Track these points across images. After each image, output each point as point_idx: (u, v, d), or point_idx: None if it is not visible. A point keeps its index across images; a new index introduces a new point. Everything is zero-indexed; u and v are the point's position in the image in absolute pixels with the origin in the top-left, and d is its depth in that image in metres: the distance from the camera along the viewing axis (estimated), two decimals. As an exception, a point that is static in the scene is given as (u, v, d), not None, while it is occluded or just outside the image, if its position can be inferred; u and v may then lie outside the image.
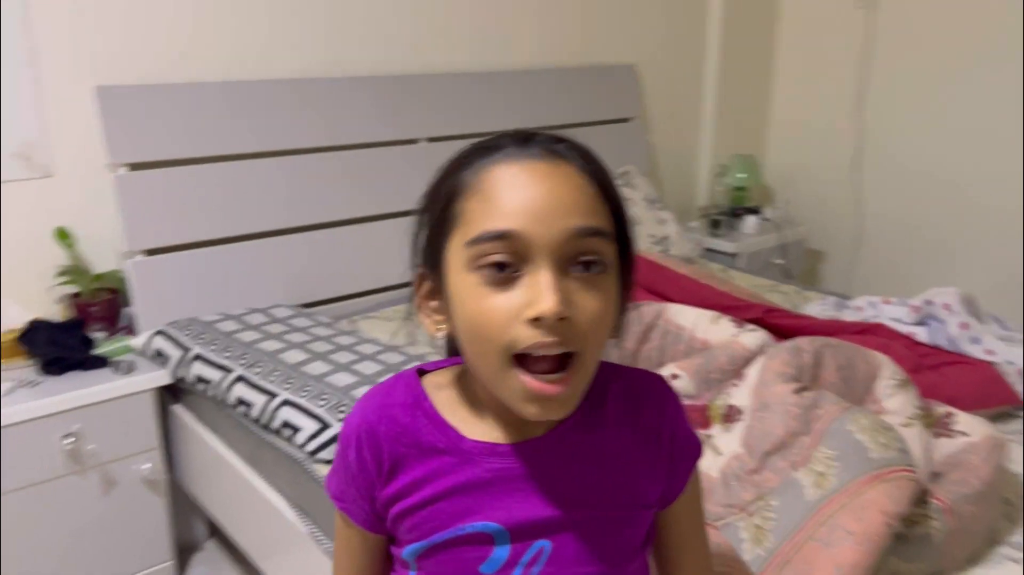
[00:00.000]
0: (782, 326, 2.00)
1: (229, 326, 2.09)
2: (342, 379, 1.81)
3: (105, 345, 2.09)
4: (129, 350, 2.09)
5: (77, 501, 1.94)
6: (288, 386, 1.80)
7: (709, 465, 1.49)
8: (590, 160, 0.74)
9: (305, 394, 1.76)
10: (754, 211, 3.41)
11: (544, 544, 0.78)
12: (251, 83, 2.31)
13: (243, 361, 1.91)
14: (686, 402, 1.63)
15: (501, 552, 0.77)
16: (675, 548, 0.87)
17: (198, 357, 1.96)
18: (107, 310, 2.17)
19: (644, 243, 2.91)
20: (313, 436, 1.67)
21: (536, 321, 0.67)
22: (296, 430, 1.70)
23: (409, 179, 2.58)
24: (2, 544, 1.84)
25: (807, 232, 3.53)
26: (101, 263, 2.21)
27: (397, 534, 0.82)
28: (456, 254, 0.71)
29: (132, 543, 2.05)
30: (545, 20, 2.96)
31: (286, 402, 1.75)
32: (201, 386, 1.93)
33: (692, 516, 0.88)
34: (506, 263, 0.68)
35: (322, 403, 1.72)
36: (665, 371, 1.77)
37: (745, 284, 2.73)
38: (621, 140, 3.21)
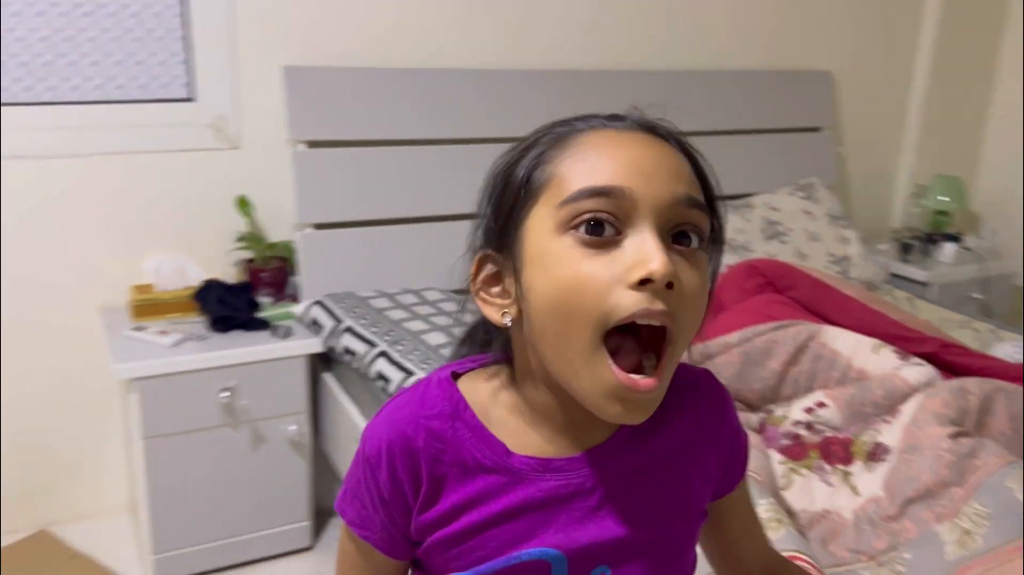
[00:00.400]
0: (958, 364, 1.79)
1: (381, 303, 2.16)
2: (476, 366, 1.82)
3: (269, 309, 2.22)
4: (290, 316, 2.21)
5: (228, 452, 2.07)
6: (425, 366, 1.83)
7: (843, 505, 1.36)
8: (687, 144, 0.69)
9: (438, 376, 1.78)
10: (954, 238, 3.09)
11: (604, 571, 0.70)
12: (428, 71, 2.37)
13: (388, 337, 1.96)
14: (829, 434, 1.50)
15: None
16: (734, 537, 0.81)
17: (348, 329, 2.04)
18: (276, 277, 2.30)
19: (821, 262, 2.72)
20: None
21: (642, 284, 0.59)
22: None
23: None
24: (152, 483, 2.00)
25: (1015, 267, 3.16)
26: (275, 233, 2.35)
27: (431, 562, 0.72)
28: (542, 221, 0.64)
29: (273, 499, 2.16)
30: (737, 20, 2.84)
31: (419, 382, 1.78)
32: (348, 357, 2.01)
33: (747, 503, 0.82)
34: (606, 221, 0.61)
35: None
36: (812, 399, 1.64)
37: (930, 317, 2.48)
38: (808, 150, 3.02)
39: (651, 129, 0.68)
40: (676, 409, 0.72)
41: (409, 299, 2.22)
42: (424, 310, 2.15)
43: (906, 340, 1.85)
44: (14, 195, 2.07)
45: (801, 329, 1.74)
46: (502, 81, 2.45)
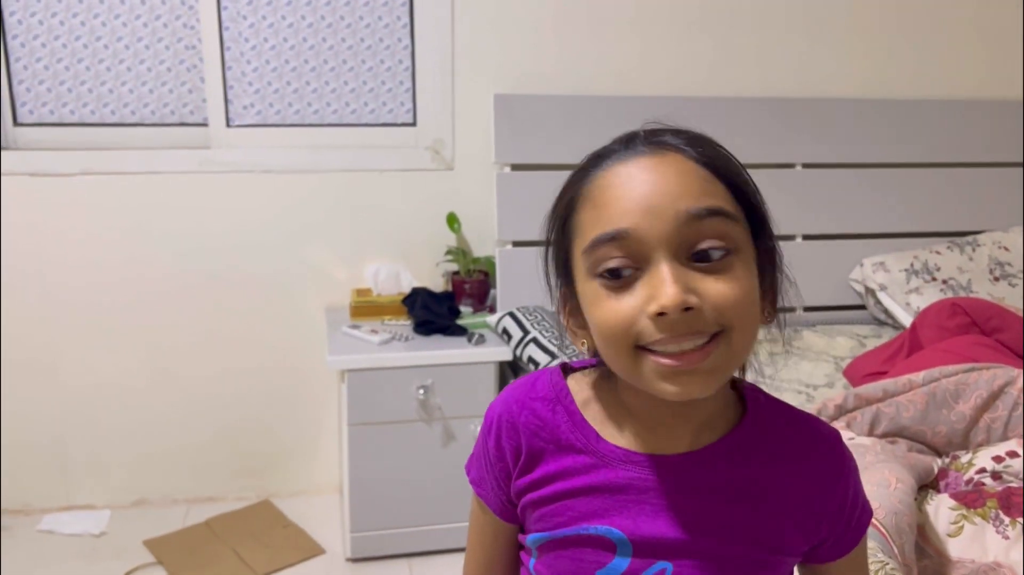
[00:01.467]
0: None
1: (568, 319, 2.26)
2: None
3: (468, 318, 2.39)
4: (485, 326, 2.37)
5: (421, 445, 2.26)
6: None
7: (1017, 559, 1.26)
8: (699, 144, 0.71)
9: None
10: None
11: (666, 566, 0.73)
12: (623, 98, 2.45)
13: (569, 351, 2.05)
14: (1015, 484, 1.40)
15: (621, 563, 0.74)
16: None
17: (534, 340, 2.15)
18: (477, 289, 2.48)
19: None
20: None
21: (660, 316, 0.64)
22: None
23: (780, 204, 2.53)
24: (353, 466, 2.22)
25: None
26: (480, 248, 2.53)
27: (525, 522, 0.81)
28: (579, 265, 0.71)
29: (461, 493, 2.32)
30: (930, 47, 2.66)
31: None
32: (532, 367, 2.12)
33: None
34: (622, 266, 0.67)
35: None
36: (1004, 447, 1.52)
37: None
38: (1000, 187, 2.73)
39: (661, 146, 0.70)
40: (785, 453, 0.76)
41: (596, 317, 2.29)
42: (609, 328, 2.21)
43: None
44: (263, 206, 2.40)
45: (999, 373, 1.62)
46: (697, 108, 2.47)
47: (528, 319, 2.26)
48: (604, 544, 0.74)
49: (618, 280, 0.67)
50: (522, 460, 0.78)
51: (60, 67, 2.28)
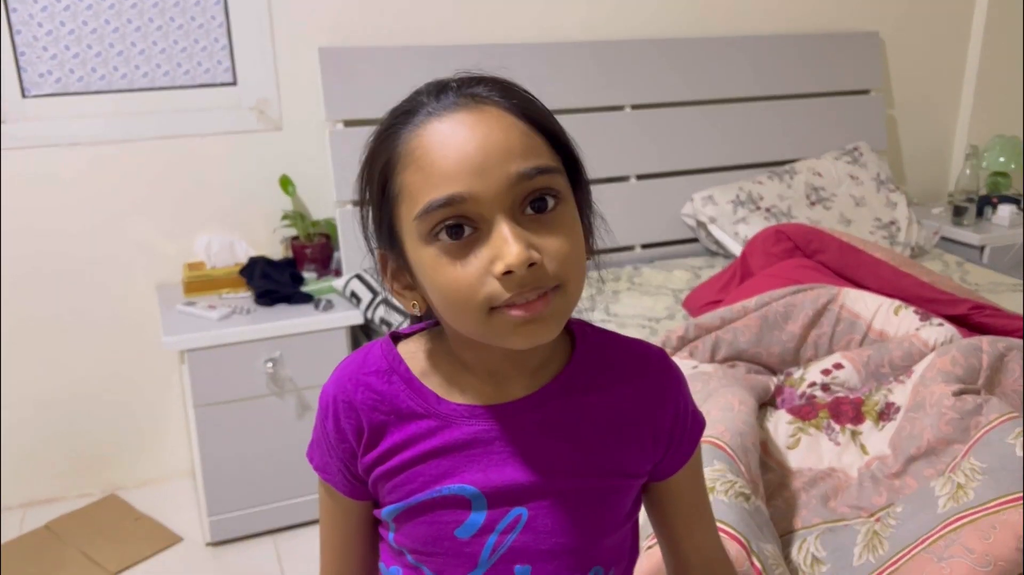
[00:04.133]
0: (989, 326, 1.76)
1: (415, 276, 2.23)
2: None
3: (313, 284, 2.32)
4: (332, 290, 2.30)
5: (274, 420, 2.18)
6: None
7: (849, 463, 1.37)
8: (513, 95, 0.71)
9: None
10: (1013, 200, 2.99)
11: (521, 511, 0.75)
12: (453, 48, 2.41)
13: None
14: (843, 394, 1.51)
15: (477, 517, 0.75)
16: (681, 521, 0.84)
17: (384, 301, 2.12)
18: (320, 253, 2.40)
19: (867, 227, 2.68)
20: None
21: (507, 275, 0.65)
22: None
23: (612, 146, 2.59)
24: (204, 449, 2.12)
25: (1079, 228, 3.04)
26: (319, 211, 2.45)
27: (378, 496, 0.80)
28: (408, 230, 0.69)
29: (320, 463, 2.27)
30: None
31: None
32: (384, 328, 2.09)
33: (697, 489, 0.84)
34: (460, 225, 0.67)
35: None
36: (830, 360, 1.64)
37: (981, 280, 2.43)
38: (856, 114, 2.96)
39: (476, 98, 0.69)
40: (616, 378, 0.78)
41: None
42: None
43: (936, 302, 1.83)
44: (73, 181, 2.20)
45: (821, 292, 1.74)
46: (525, 54, 2.47)
47: (377, 280, 2.21)
48: (459, 502, 0.75)
49: (459, 242, 0.67)
50: (365, 437, 0.77)
51: None
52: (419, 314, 0.77)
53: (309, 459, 0.83)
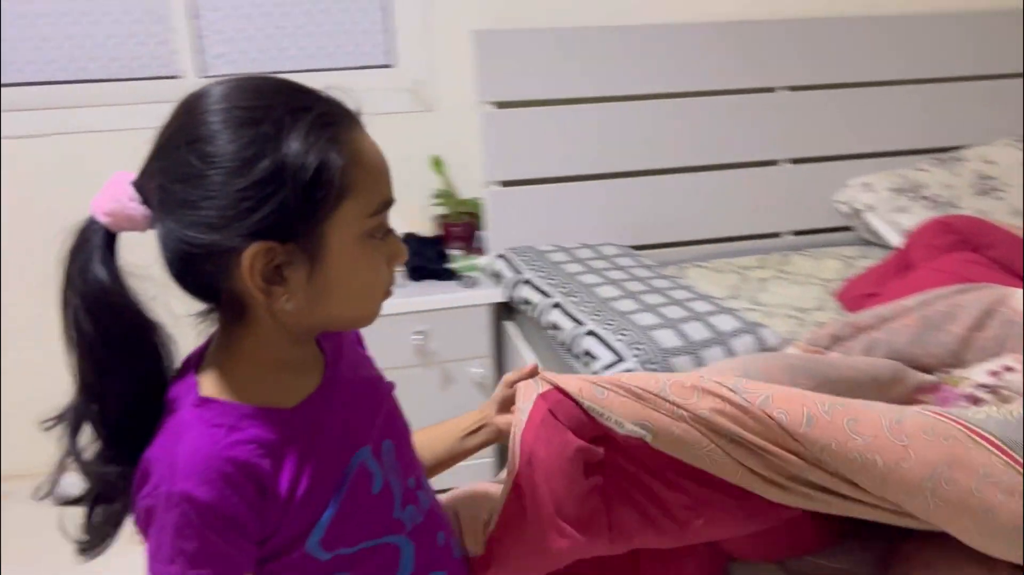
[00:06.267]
0: None
1: (559, 257, 2.26)
2: (645, 319, 1.87)
3: (458, 261, 2.38)
4: (476, 268, 2.36)
5: (420, 390, 2.27)
6: (596, 318, 1.90)
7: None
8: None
9: (609, 327, 1.85)
10: None
11: (387, 442, 0.89)
12: (610, 29, 2.40)
13: (563, 290, 2.06)
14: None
15: (375, 467, 0.85)
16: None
17: (527, 281, 2.15)
18: (466, 232, 2.46)
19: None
20: (608, 367, 1.76)
21: (396, 265, 0.83)
22: (594, 358, 1.80)
23: (762, 129, 2.52)
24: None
25: None
26: (467, 190, 2.51)
27: (290, 535, 0.78)
28: (349, 225, 0.77)
29: (461, 435, 2.35)
30: None
31: (591, 332, 1.86)
32: (525, 307, 2.13)
33: None
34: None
35: (621, 338, 1.80)
36: (998, 362, 1.55)
37: None
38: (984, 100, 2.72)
39: (356, 115, 0.82)
40: (340, 342, 0.94)
41: (586, 253, 2.30)
42: (599, 264, 2.22)
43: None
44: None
45: (988, 292, 1.63)
46: (675, 35, 2.43)
47: (520, 259, 2.25)
48: (360, 467, 0.83)
49: (380, 240, 0.80)
50: (267, 491, 0.76)
51: (24, 24, 2.19)
52: (291, 309, 0.76)
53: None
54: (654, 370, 1.76)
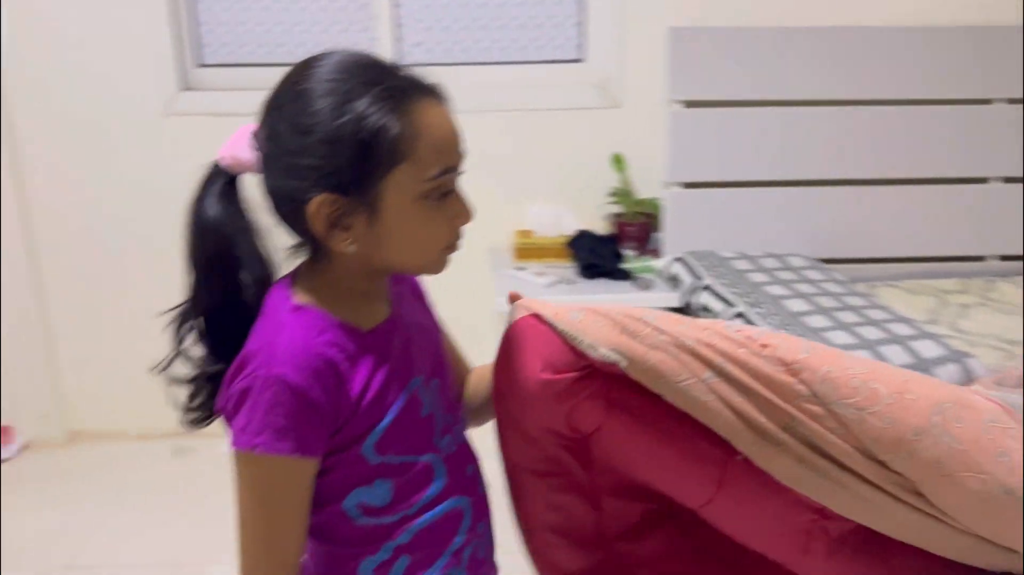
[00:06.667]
0: None
1: (742, 265, 2.18)
2: (839, 337, 1.77)
3: (632, 262, 2.34)
4: (651, 270, 2.31)
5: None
6: (783, 332, 1.82)
7: None
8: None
9: (797, 343, 1.76)
10: None
11: (435, 382, 0.97)
12: (809, 30, 2.29)
13: (747, 299, 1.98)
14: None
15: (425, 396, 0.94)
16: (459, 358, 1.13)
17: (707, 287, 2.08)
18: (641, 232, 2.42)
19: None
20: (795, 385, 1.67)
21: (462, 226, 0.90)
22: (780, 375, 1.72)
23: (973, 143, 2.34)
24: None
25: None
26: (645, 190, 2.46)
27: (355, 434, 0.89)
28: (404, 186, 0.84)
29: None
30: None
31: (777, 346, 1.78)
32: (704, 314, 2.06)
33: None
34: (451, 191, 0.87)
35: (811, 355, 1.71)
36: None
37: None
38: None
39: (444, 96, 0.88)
40: (403, 286, 1.03)
41: (771, 263, 2.20)
42: (786, 275, 2.12)
43: None
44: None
45: None
46: (884, 38, 2.29)
47: (701, 264, 2.18)
48: (414, 392, 0.93)
49: (441, 202, 0.86)
50: (344, 388, 0.87)
51: (240, 8, 2.32)
52: (352, 252, 0.87)
53: (280, 448, 0.83)
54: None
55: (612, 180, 2.43)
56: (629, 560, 1.11)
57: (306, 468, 0.86)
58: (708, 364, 0.89)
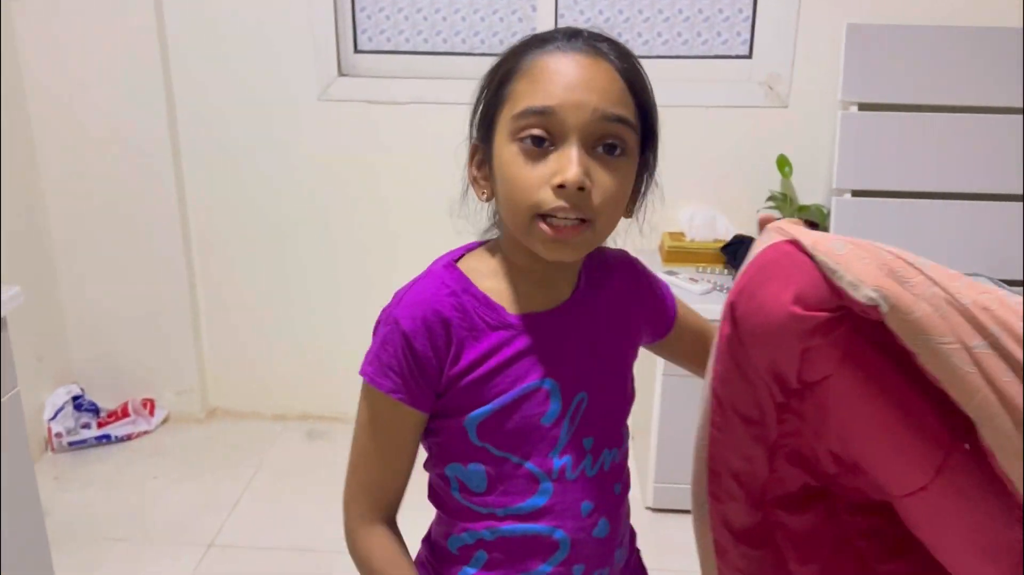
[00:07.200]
0: None
1: (918, 281, 2.02)
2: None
3: (792, 271, 2.21)
4: (813, 281, 2.18)
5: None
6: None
7: None
8: (626, 60, 0.82)
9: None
10: None
11: (582, 396, 0.90)
12: (999, 30, 2.11)
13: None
14: None
15: (556, 405, 0.88)
16: (702, 346, 0.96)
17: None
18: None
19: None
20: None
21: (560, 188, 0.78)
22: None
23: None
24: (663, 416, 2.14)
25: None
26: (808, 195, 2.32)
27: (458, 404, 0.88)
28: (503, 126, 0.82)
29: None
30: None
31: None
32: (876, 333, 1.92)
33: (691, 327, 1.03)
34: (542, 137, 0.79)
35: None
36: None
37: None
38: None
39: (597, 51, 0.80)
40: (607, 279, 0.95)
41: (951, 281, 2.04)
42: (969, 296, 1.96)
43: None
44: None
45: None
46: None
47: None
48: (540, 395, 0.87)
49: (537, 148, 0.79)
50: (452, 352, 0.86)
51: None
52: (486, 201, 0.89)
53: (376, 385, 0.87)
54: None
55: (771, 183, 2.31)
56: (777, 530, 1.02)
57: (405, 415, 0.88)
58: (981, 331, 0.75)
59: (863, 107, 2.16)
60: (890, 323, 0.77)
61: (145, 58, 2.33)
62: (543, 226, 0.80)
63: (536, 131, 0.79)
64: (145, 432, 2.60)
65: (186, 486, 2.34)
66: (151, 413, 2.64)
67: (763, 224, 0.88)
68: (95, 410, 2.59)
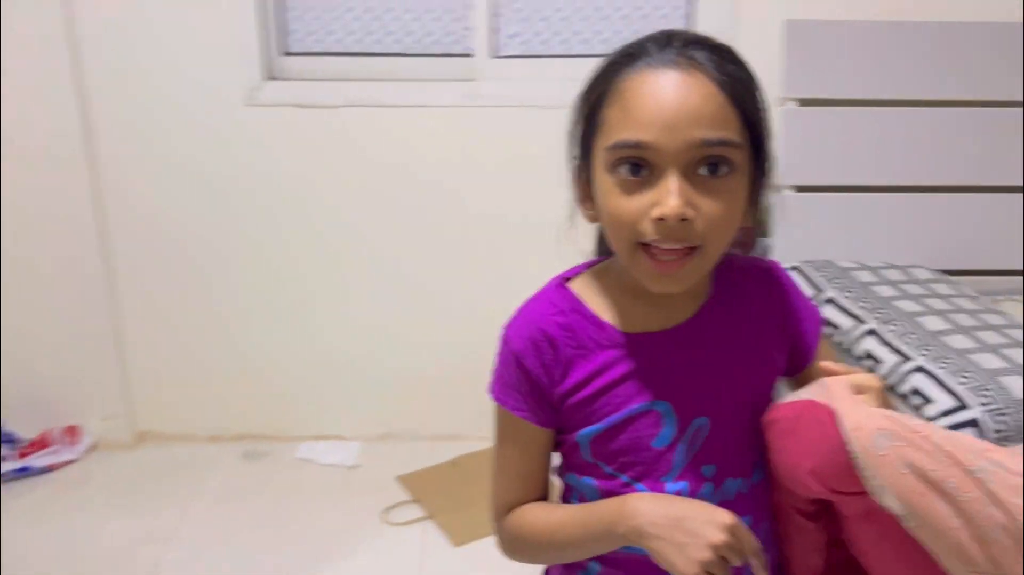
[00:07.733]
0: None
1: (865, 276, 2.03)
2: (989, 361, 1.63)
3: (739, 269, 2.20)
4: (760, 279, 2.17)
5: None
6: (925, 353, 1.68)
7: None
8: (725, 67, 0.77)
9: (944, 366, 1.63)
10: None
11: (703, 422, 0.86)
12: (938, 25, 2.14)
13: (878, 315, 1.84)
14: None
15: (669, 429, 0.85)
16: None
17: (830, 300, 1.95)
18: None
19: None
20: (946, 412, 1.54)
21: (660, 221, 0.75)
22: (927, 401, 1.59)
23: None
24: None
25: None
26: (748, 192, 2.32)
27: (569, 422, 0.89)
28: (599, 156, 0.80)
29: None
30: None
31: (920, 368, 1.64)
32: (828, 329, 1.92)
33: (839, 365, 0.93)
34: (639, 167, 0.76)
35: (963, 381, 1.58)
36: None
37: None
38: None
39: (692, 61, 0.76)
40: (744, 293, 0.90)
41: (895, 275, 2.06)
42: (914, 289, 1.98)
43: None
44: (527, 142, 2.24)
45: None
46: (1020, 36, 2.13)
47: (820, 275, 2.04)
48: (652, 417, 0.85)
49: (634, 179, 0.77)
50: (560, 369, 0.86)
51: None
52: (592, 223, 0.87)
53: (501, 402, 0.90)
54: (1003, 423, 1.52)
55: (713, 181, 2.30)
56: None
57: (529, 431, 0.90)
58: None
59: (804, 103, 2.16)
60: (912, 530, 0.75)
61: (52, 66, 2.17)
62: (646, 259, 0.78)
63: (632, 161, 0.77)
64: (70, 462, 2.44)
65: (118, 518, 2.20)
66: (75, 441, 2.48)
67: (825, 372, 0.83)
68: (13, 440, 2.43)
